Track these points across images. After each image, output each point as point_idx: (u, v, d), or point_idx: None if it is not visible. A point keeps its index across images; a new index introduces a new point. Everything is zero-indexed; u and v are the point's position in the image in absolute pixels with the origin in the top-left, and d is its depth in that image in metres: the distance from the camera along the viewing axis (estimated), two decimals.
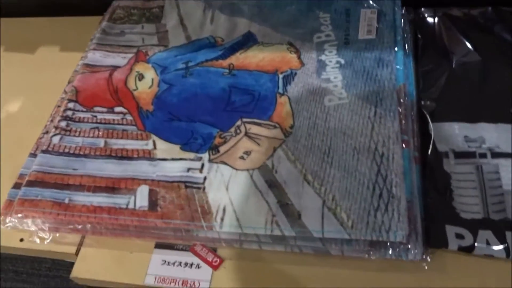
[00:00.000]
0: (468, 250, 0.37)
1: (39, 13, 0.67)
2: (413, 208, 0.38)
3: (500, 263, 0.36)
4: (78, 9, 0.65)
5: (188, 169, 0.43)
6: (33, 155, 0.47)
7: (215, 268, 0.40)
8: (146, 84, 0.51)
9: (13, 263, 0.61)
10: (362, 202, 0.38)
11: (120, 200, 0.42)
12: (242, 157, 0.43)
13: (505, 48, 0.47)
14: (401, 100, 0.44)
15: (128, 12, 0.60)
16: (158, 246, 0.42)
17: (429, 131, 0.43)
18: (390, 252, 0.37)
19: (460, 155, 0.41)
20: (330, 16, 0.53)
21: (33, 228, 0.43)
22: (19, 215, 0.42)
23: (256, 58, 0.51)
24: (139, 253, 0.42)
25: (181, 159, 0.44)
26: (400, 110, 0.43)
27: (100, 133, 0.47)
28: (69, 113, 0.49)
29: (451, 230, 0.37)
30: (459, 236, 0.37)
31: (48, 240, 0.43)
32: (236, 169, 0.42)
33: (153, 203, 0.41)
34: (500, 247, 0.36)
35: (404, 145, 0.41)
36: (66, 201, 0.42)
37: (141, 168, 0.44)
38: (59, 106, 0.51)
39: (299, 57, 0.50)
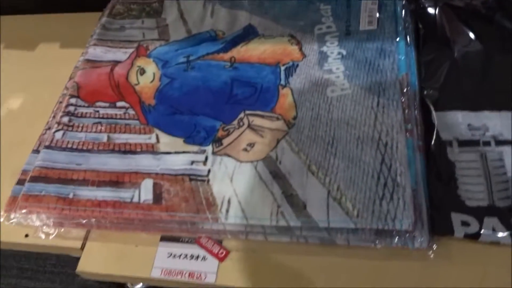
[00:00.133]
0: (474, 237, 0.37)
1: (39, 10, 0.67)
2: (418, 197, 0.38)
3: (506, 250, 0.36)
4: (77, 6, 0.65)
5: (192, 162, 0.43)
6: (36, 151, 0.47)
7: (221, 260, 0.40)
8: (147, 78, 0.51)
9: (17, 260, 0.61)
10: (367, 191, 0.38)
11: (124, 194, 0.42)
12: (245, 149, 0.43)
13: (507, 37, 0.47)
14: (404, 90, 0.44)
15: (127, 7, 0.60)
16: (164, 239, 0.42)
17: (432, 120, 0.43)
18: (396, 240, 0.37)
19: (464, 143, 0.41)
20: (331, 8, 0.53)
21: (37, 223, 0.43)
22: (24, 211, 0.42)
23: (258, 51, 0.51)
24: (144, 246, 0.42)
25: (184, 152, 0.44)
26: (403, 100, 0.43)
27: (103, 128, 0.47)
28: (71, 108, 0.49)
29: (456, 218, 0.37)
30: (465, 224, 0.37)
31: (53, 236, 0.43)
32: (240, 161, 0.42)
33: (157, 196, 0.41)
34: (506, 233, 0.36)
35: (407, 134, 0.41)
36: (71, 196, 0.42)
37: (145, 162, 0.44)
38: (61, 102, 0.51)
39: (300, 49, 0.50)
